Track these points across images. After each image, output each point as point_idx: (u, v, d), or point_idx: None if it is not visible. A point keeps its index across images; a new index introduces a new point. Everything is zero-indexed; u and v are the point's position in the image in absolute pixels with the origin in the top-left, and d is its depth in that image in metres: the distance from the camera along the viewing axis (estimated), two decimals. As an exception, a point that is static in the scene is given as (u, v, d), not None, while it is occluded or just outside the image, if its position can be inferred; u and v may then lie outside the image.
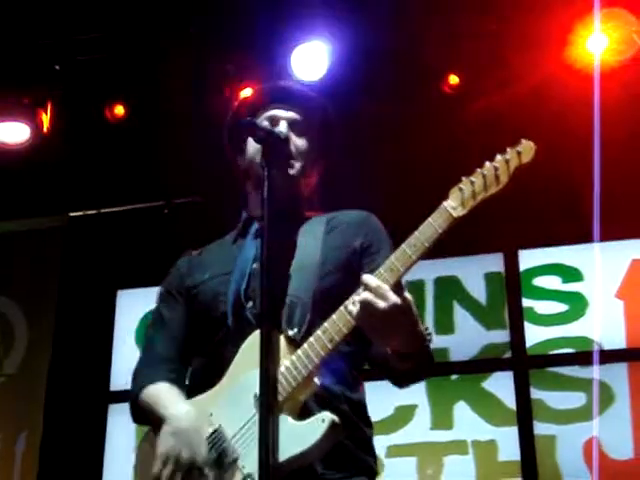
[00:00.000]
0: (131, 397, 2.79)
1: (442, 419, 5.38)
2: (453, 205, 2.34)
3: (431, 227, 2.34)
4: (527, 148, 2.32)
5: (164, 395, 2.69)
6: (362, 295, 2.34)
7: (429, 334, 2.50)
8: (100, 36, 5.21)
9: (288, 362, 2.45)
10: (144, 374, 2.79)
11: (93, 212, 6.24)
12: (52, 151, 5.65)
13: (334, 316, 2.42)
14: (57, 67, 5.43)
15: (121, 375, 5.81)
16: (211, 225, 4.45)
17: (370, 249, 2.74)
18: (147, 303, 5.72)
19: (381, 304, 2.32)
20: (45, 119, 5.55)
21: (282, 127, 2.81)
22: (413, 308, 2.38)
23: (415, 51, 5.15)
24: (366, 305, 2.33)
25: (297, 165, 2.81)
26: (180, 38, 5.23)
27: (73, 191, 5.99)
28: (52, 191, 5.95)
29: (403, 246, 2.37)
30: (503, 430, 5.29)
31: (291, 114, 2.87)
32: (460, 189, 2.35)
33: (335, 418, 2.37)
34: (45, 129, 5.59)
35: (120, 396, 5.74)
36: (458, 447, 5.31)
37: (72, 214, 6.27)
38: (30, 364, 6.14)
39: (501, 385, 5.39)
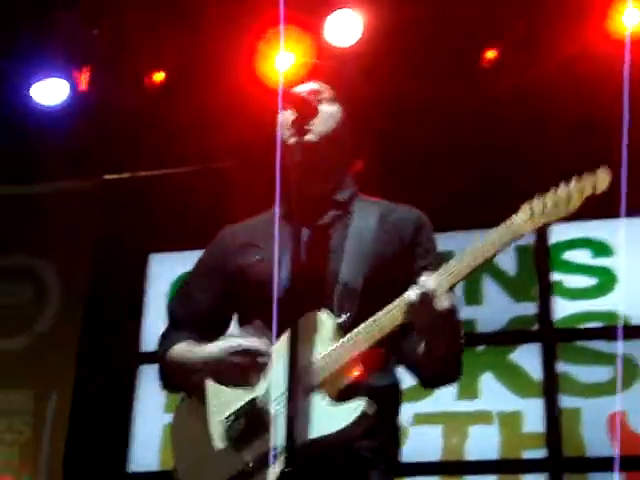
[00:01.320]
0: (158, 359, 2.88)
1: (468, 389, 5.39)
2: (521, 220, 2.43)
3: (496, 238, 2.44)
4: (602, 178, 2.41)
5: (191, 346, 2.78)
6: (419, 292, 2.41)
7: (463, 340, 2.58)
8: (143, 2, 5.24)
9: (334, 345, 2.51)
10: (168, 337, 2.90)
11: (128, 175, 6.30)
12: (89, 113, 5.69)
13: (386, 308, 2.48)
14: (95, 32, 5.44)
15: (152, 336, 5.85)
16: (246, 190, 4.50)
17: (422, 257, 2.78)
18: (179, 267, 5.79)
19: (434, 306, 2.39)
20: (83, 80, 5.58)
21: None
22: (457, 314, 2.47)
23: (451, 22, 5.14)
24: (421, 302, 2.40)
25: (316, 130, 2.75)
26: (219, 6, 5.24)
27: (109, 154, 6.03)
28: (88, 153, 5.98)
29: (465, 253, 2.48)
30: (528, 402, 5.32)
31: (310, 86, 2.85)
32: (531, 207, 2.43)
33: (368, 408, 2.41)
34: (83, 90, 5.62)
35: (150, 357, 5.80)
36: (483, 417, 5.35)
37: (107, 177, 6.32)
38: (63, 324, 6.21)
39: (528, 357, 5.41)
